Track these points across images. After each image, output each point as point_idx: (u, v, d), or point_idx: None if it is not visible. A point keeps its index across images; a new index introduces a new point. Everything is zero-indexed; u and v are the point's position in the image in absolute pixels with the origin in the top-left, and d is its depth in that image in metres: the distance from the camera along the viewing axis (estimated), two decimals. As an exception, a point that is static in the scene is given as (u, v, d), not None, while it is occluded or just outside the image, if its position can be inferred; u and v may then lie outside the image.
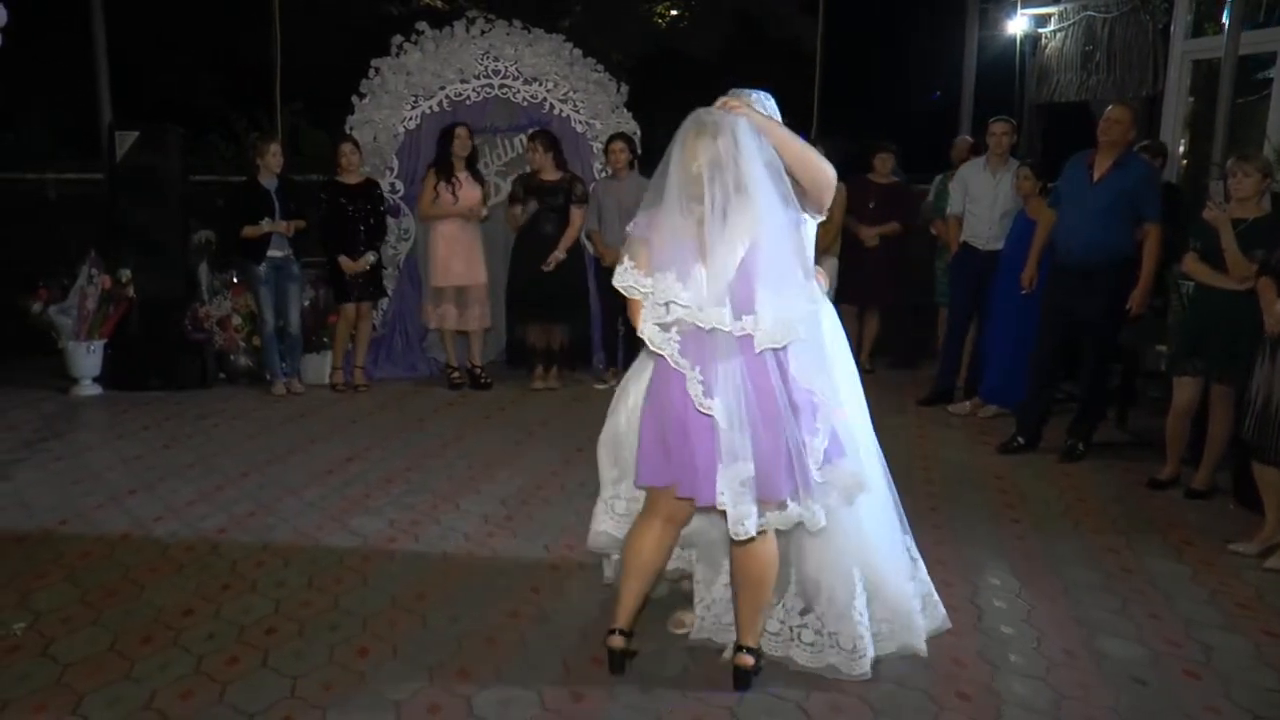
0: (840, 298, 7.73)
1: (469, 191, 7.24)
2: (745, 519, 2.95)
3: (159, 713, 3.12)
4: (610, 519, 3.57)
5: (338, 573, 4.16)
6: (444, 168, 7.22)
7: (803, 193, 3.13)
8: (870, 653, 3.29)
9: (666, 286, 2.93)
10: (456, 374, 7.49)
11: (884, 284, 7.82)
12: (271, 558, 4.30)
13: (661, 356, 3.00)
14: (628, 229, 3.12)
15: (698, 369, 2.97)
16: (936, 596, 3.63)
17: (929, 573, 3.69)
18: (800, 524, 3.07)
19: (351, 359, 7.43)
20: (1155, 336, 6.16)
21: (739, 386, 2.95)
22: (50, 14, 9.06)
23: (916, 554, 3.62)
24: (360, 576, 4.13)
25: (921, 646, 3.42)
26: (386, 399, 7.12)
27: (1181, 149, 7.99)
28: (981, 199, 6.83)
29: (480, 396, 7.25)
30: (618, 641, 3.31)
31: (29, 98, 11.66)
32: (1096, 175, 5.62)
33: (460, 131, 7.24)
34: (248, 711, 3.13)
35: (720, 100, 3.12)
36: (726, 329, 2.91)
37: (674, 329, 2.98)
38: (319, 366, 7.49)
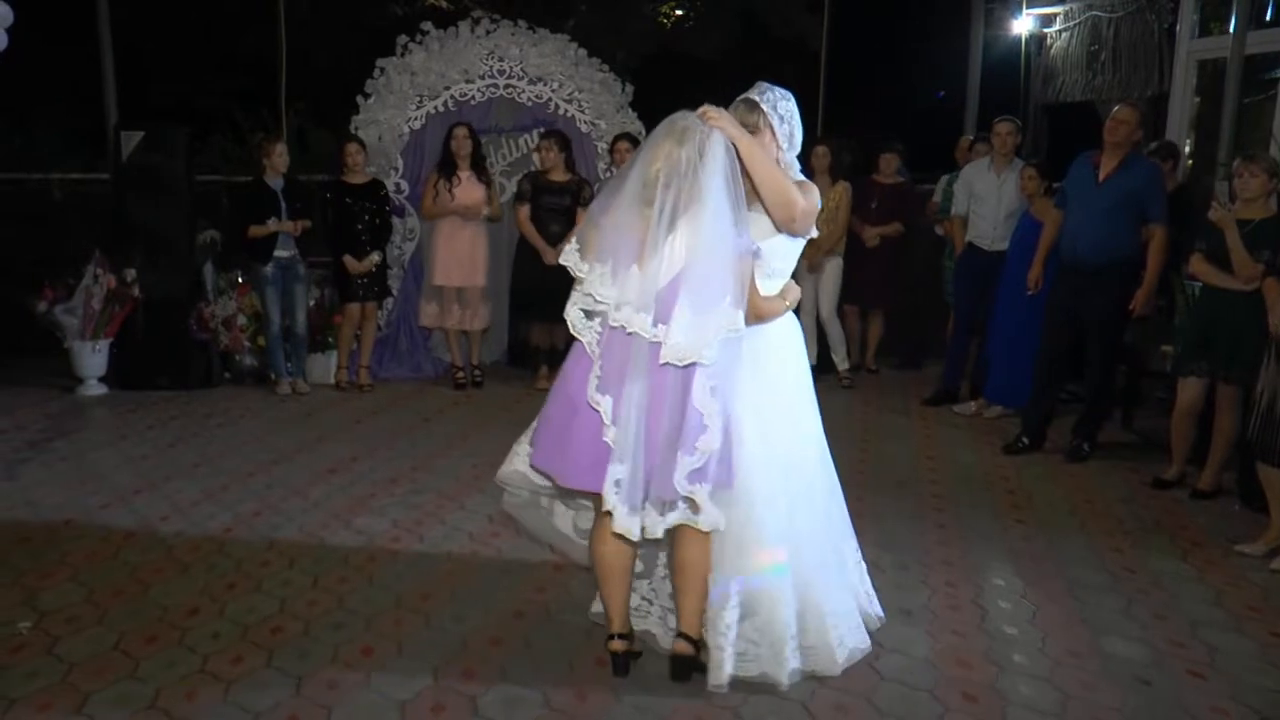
0: (843, 298, 7.74)
1: (469, 190, 7.24)
2: (628, 519, 3.00)
3: (164, 712, 3.12)
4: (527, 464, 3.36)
5: (342, 572, 4.16)
6: (445, 167, 7.23)
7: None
8: (728, 668, 3.21)
9: (596, 278, 2.97)
10: (460, 374, 7.50)
11: (887, 284, 7.80)
12: (277, 557, 4.31)
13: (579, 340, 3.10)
14: (590, 207, 3.19)
15: (600, 364, 3.02)
16: (833, 647, 3.33)
17: (934, 573, 3.69)
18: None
19: (356, 359, 7.44)
20: (1161, 337, 6.15)
21: (641, 391, 2.97)
22: (56, 14, 9.08)
23: (845, 600, 3.44)
24: (365, 576, 4.13)
25: (783, 680, 3.23)
26: (391, 399, 7.12)
27: (1187, 149, 7.98)
28: (986, 199, 6.82)
29: (485, 396, 7.25)
30: (618, 645, 3.34)
31: (35, 98, 11.69)
32: (1102, 175, 5.62)
33: (458, 131, 7.25)
34: (252, 710, 3.13)
35: (702, 108, 3.05)
36: (644, 335, 2.93)
37: (598, 319, 3.03)
38: (324, 366, 7.50)
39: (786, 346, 3.37)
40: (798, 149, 3.30)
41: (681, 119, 3.02)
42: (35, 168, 8.98)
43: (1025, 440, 6.02)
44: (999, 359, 6.68)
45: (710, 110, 3.04)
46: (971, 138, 8.17)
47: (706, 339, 2.90)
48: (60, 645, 3.52)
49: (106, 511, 4.82)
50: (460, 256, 7.29)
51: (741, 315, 2.96)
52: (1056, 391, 6.12)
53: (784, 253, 3.27)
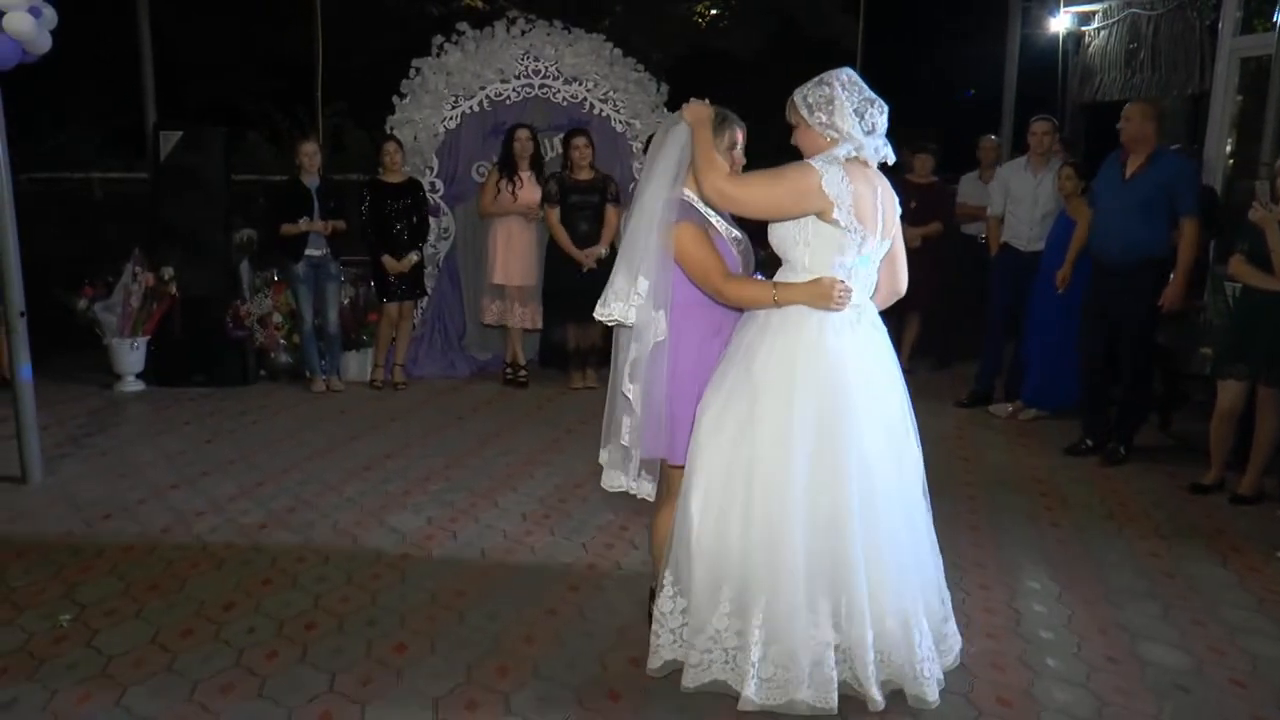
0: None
1: (529, 191, 7.29)
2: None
3: (200, 705, 3.16)
4: None
5: (376, 569, 4.19)
6: (507, 167, 7.26)
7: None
8: (663, 654, 3.26)
9: None
10: (523, 371, 7.56)
11: (924, 285, 7.71)
12: (311, 554, 4.34)
13: None
14: None
15: None
16: (796, 684, 3.06)
17: (969, 575, 3.66)
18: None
19: (391, 357, 7.49)
20: (1199, 338, 6.07)
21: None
22: (97, 16, 9.19)
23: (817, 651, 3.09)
24: (399, 573, 4.15)
25: (741, 691, 3.09)
26: (425, 397, 7.16)
27: (1228, 149, 7.87)
28: (1023, 199, 6.76)
29: (519, 395, 7.28)
30: None
31: (77, 99, 11.85)
32: (1128, 172, 5.56)
33: (521, 134, 7.31)
34: (287, 705, 3.16)
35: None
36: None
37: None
38: (359, 364, 7.56)
39: (818, 350, 3.09)
40: (846, 133, 3.06)
41: (675, 115, 3.30)
42: (76, 167, 9.10)
43: (1089, 442, 5.94)
44: (1035, 360, 6.62)
45: (687, 103, 3.24)
46: (995, 138, 8.20)
47: (611, 296, 3.21)
48: (99, 638, 3.56)
49: (144, 506, 4.87)
50: (521, 256, 7.38)
51: (643, 280, 3.18)
52: (1107, 389, 5.99)
53: (786, 240, 3.15)
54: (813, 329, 3.11)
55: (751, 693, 3.07)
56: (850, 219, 3.05)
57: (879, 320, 3.29)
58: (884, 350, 3.26)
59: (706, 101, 3.28)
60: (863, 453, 3.08)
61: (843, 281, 3.07)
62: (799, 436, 3.05)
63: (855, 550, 3.04)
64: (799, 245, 3.13)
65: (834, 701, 3.06)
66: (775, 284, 3.14)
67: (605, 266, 7.25)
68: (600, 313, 3.23)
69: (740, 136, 3.33)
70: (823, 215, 3.04)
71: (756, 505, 3.08)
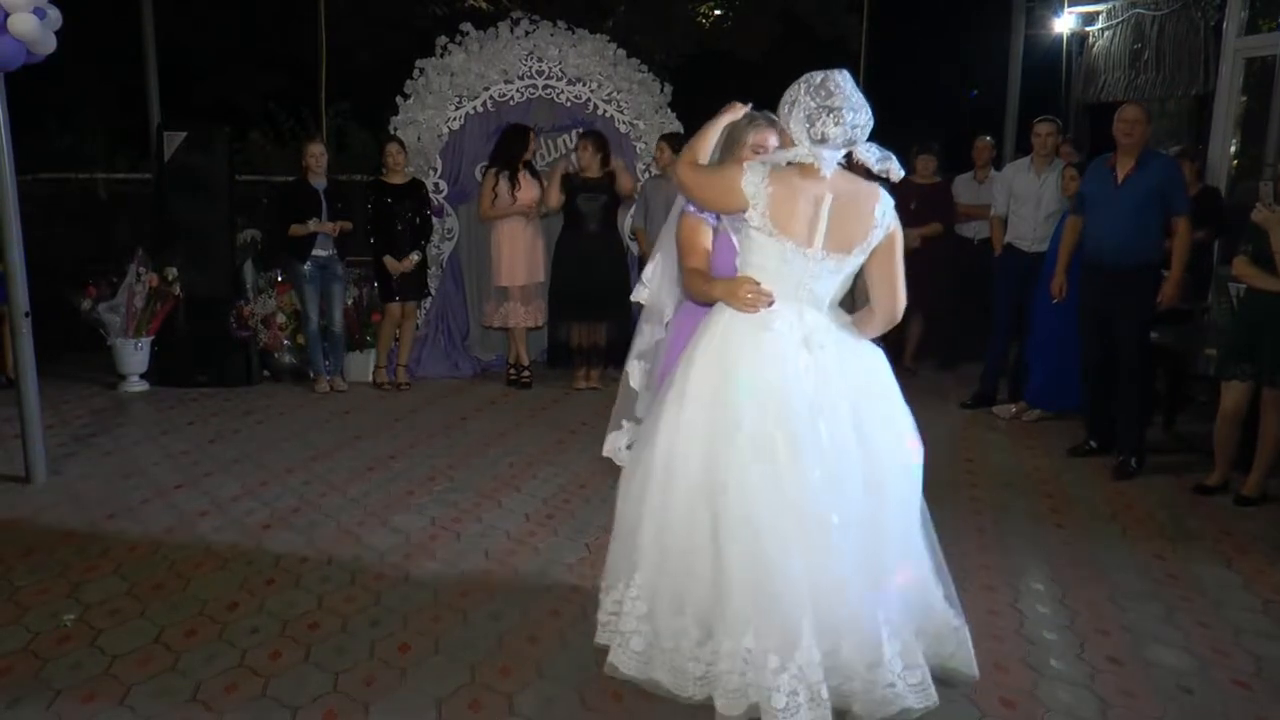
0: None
1: (528, 191, 7.30)
2: None
3: (204, 704, 3.16)
4: None
5: (380, 569, 4.19)
6: (507, 166, 7.29)
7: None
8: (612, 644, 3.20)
9: None
10: (526, 372, 7.57)
11: (926, 286, 7.70)
12: (315, 554, 4.34)
13: None
14: None
15: None
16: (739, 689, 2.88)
17: (972, 577, 3.65)
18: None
19: (394, 358, 7.49)
20: (1203, 340, 6.06)
21: None
22: (102, 17, 9.20)
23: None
24: (402, 573, 4.16)
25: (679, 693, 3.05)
26: (429, 397, 7.16)
27: (1233, 149, 7.86)
28: (1026, 200, 6.74)
29: (523, 396, 7.28)
30: None
31: (81, 99, 11.86)
32: (1120, 176, 5.54)
33: (530, 135, 7.37)
34: (291, 705, 3.16)
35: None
36: None
37: None
38: (361, 365, 7.56)
39: (721, 352, 3.02)
40: (798, 137, 2.94)
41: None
42: (80, 167, 9.11)
43: (1093, 444, 5.93)
44: (1038, 361, 6.61)
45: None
46: (990, 139, 8.20)
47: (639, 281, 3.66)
48: (103, 637, 3.57)
49: (147, 506, 4.88)
50: (524, 256, 7.41)
51: (650, 266, 3.62)
52: (1109, 391, 5.97)
53: (745, 243, 3.09)
54: (718, 327, 3.07)
55: (618, 659, 3.11)
56: (764, 221, 2.95)
57: (837, 334, 3.10)
58: (818, 365, 3.01)
59: (747, 106, 3.35)
60: (743, 466, 2.88)
61: (755, 283, 2.96)
62: (679, 441, 3.00)
63: (728, 563, 2.89)
64: (746, 248, 3.08)
65: (690, 691, 2.98)
66: (711, 280, 3.14)
67: (610, 264, 7.37)
68: (633, 296, 3.67)
69: (768, 139, 3.28)
70: (744, 213, 3.00)
71: (652, 491, 3.05)
